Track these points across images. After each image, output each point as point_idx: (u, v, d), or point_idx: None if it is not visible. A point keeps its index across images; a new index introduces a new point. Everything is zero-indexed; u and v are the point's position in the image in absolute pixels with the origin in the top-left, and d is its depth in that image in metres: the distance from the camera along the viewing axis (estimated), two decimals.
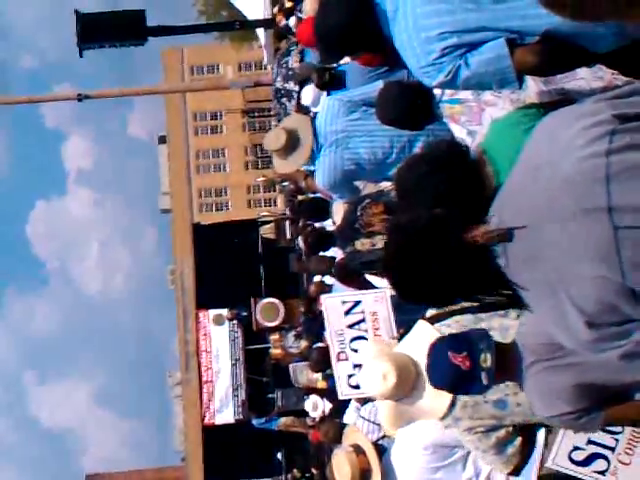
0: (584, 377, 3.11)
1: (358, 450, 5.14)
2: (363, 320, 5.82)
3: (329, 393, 11.78)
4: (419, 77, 3.77)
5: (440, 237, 2.82)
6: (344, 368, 5.84)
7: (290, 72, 10.22)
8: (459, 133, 4.62)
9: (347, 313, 5.86)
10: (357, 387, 5.73)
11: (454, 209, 2.93)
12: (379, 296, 5.86)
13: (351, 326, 5.83)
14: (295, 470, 24.38)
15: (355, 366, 5.72)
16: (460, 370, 3.19)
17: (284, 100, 10.23)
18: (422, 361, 4.07)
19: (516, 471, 4.19)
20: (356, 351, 5.72)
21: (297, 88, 9.39)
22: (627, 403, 3.26)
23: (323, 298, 6.25)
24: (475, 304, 3.45)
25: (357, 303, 5.86)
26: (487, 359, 3.19)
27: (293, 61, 10.46)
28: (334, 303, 5.94)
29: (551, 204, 2.56)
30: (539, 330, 3.04)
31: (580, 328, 2.56)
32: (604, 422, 3.30)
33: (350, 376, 5.77)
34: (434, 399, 3.89)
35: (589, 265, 2.48)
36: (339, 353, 5.86)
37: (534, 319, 3.07)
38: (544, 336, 3.02)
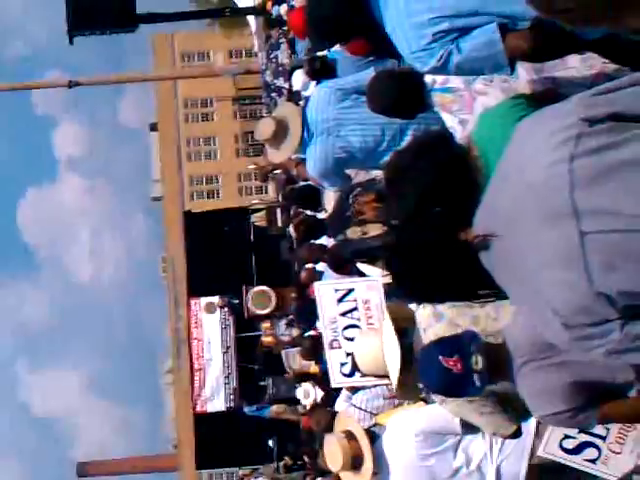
0: (576, 375, 3.12)
1: (350, 436, 5.14)
2: (356, 308, 5.82)
3: (321, 379, 11.77)
4: (411, 63, 3.76)
5: (434, 241, 2.86)
6: (336, 356, 5.84)
7: (280, 68, 10.19)
8: (450, 122, 4.60)
9: (340, 301, 5.86)
10: (349, 375, 5.73)
11: (444, 207, 2.94)
12: (371, 284, 5.86)
13: (344, 314, 5.83)
14: (287, 457, 24.40)
15: (348, 354, 5.71)
16: (452, 374, 3.21)
17: (274, 95, 10.21)
18: (387, 342, 4.16)
19: (519, 430, 4.18)
20: (349, 339, 5.72)
21: (287, 85, 9.38)
22: (618, 401, 3.26)
23: (316, 285, 6.26)
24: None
25: (350, 291, 5.87)
26: (478, 361, 3.21)
27: (283, 57, 10.43)
28: (327, 290, 5.94)
29: (519, 211, 2.56)
30: (528, 330, 3.05)
31: (558, 329, 2.56)
32: (598, 420, 3.31)
33: (342, 364, 5.77)
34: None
35: (558, 270, 2.49)
36: (332, 341, 5.86)
37: (523, 319, 3.08)
38: (534, 336, 3.03)
